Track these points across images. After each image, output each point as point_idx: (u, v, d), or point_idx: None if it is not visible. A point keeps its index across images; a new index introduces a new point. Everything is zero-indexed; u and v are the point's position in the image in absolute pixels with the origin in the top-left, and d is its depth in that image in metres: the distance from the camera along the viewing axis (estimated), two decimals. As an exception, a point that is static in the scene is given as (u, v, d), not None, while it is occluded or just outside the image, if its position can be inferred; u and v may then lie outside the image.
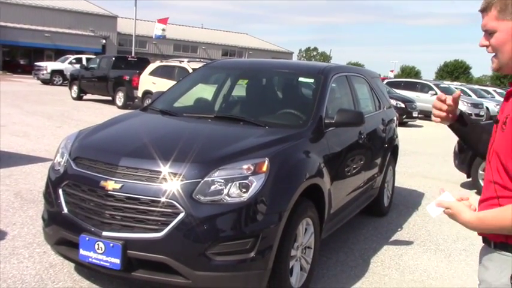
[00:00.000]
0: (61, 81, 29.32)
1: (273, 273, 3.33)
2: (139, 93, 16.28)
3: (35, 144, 9.26)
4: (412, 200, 7.17)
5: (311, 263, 3.86)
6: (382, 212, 6.12)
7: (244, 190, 3.17)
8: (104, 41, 51.09)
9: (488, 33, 1.82)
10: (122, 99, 18.24)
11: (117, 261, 3.10)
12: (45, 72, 29.69)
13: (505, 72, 1.86)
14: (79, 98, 20.25)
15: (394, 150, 6.26)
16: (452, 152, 8.32)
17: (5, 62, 45.11)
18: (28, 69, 37.86)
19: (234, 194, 3.16)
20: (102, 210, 3.19)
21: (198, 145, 3.46)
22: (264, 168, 3.28)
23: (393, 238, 5.43)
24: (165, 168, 3.19)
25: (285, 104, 4.65)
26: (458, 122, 2.17)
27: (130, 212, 3.14)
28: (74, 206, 3.35)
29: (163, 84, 12.60)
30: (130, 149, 3.40)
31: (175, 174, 3.16)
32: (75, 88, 20.47)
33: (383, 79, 27.61)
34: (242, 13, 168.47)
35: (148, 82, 15.75)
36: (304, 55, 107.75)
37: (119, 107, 18.00)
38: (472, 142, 2.21)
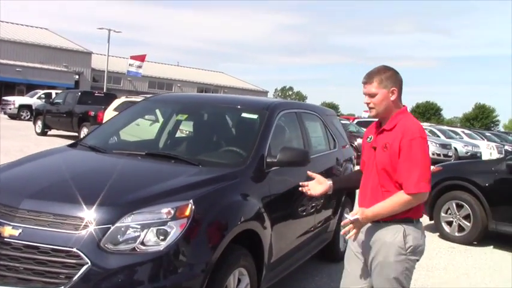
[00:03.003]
0: (29, 116, 28.63)
1: (196, 334, 2.93)
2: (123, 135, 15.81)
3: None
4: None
5: (246, 321, 3.46)
6: (337, 257, 5.73)
7: (162, 237, 2.80)
8: (77, 77, 50.68)
9: (370, 96, 2.89)
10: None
11: (9, 321, 2.66)
12: (12, 107, 29.01)
13: (379, 117, 2.94)
14: (43, 133, 19.66)
15: (350, 192, 5.94)
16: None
17: (-26, 96, 44.24)
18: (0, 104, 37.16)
19: (150, 242, 2.78)
20: None
21: (114, 185, 3.09)
22: (187, 212, 2.91)
23: None
24: (70, 212, 2.80)
25: (225, 142, 4.32)
26: (336, 185, 3.21)
27: (28, 262, 2.72)
28: None
29: (145, 126, 12.20)
30: (36, 189, 3.01)
31: (81, 218, 2.78)
32: (39, 123, 19.90)
33: (353, 119, 27.73)
34: (218, 52, 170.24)
35: (133, 126, 15.32)
36: (280, 94, 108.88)
37: (83, 143, 17.44)
38: (356, 186, 3.16)
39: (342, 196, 5.50)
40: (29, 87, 42.22)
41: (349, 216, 2.81)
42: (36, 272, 2.70)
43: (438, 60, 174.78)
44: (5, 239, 2.76)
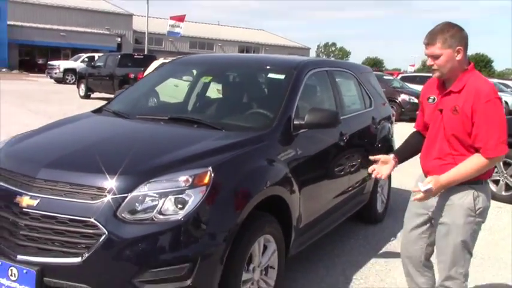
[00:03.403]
0: (74, 80, 29.17)
1: (219, 302, 2.87)
2: (161, 96, 15.90)
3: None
4: (412, 204, 6.58)
5: (274, 285, 3.37)
6: (375, 218, 5.59)
7: (180, 206, 2.70)
8: (120, 39, 51.13)
9: (434, 57, 2.72)
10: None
11: (31, 290, 2.65)
12: (57, 71, 29.61)
13: (444, 79, 2.80)
14: (86, 96, 20.01)
15: (388, 150, 5.69)
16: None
17: (22, 61, 45.36)
18: (44, 68, 37.99)
19: (168, 211, 2.68)
20: (17, 230, 2.75)
21: (132, 153, 3.00)
22: (206, 179, 2.79)
23: (384, 249, 4.90)
24: (86, 181, 2.73)
25: (251, 104, 4.15)
26: (400, 158, 3.11)
27: (46, 232, 2.69)
28: None
29: (183, 87, 12.19)
30: (53, 158, 2.95)
31: (98, 188, 2.70)
32: (82, 86, 20.25)
33: (398, 74, 26.85)
34: (259, 9, 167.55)
35: (170, 85, 15.35)
36: (322, 51, 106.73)
37: (125, 106, 17.66)
38: (418, 150, 3.06)
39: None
40: (73, 51, 42.95)
41: (421, 186, 2.73)
42: (56, 242, 2.67)
43: (489, 10, 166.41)
44: (24, 209, 2.73)
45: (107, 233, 2.59)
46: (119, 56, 19.68)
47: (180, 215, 2.67)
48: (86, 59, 30.03)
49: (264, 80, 4.36)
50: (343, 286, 3.99)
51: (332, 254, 4.63)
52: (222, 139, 3.31)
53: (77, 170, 2.82)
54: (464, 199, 2.77)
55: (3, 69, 38.65)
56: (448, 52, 2.68)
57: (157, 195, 2.70)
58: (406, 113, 17.87)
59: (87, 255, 2.59)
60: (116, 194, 2.67)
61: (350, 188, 4.65)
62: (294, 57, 4.71)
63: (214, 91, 4.45)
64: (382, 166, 3.09)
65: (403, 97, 18.22)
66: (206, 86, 4.53)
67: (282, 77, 4.05)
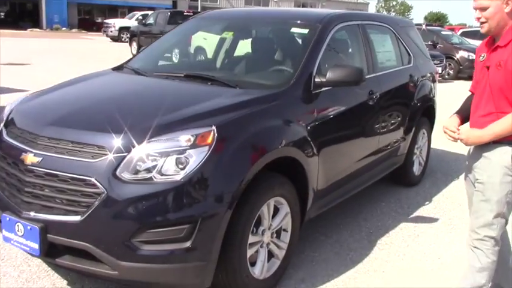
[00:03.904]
0: (129, 38, 29.55)
1: (223, 265, 2.81)
2: (191, 50, 15.87)
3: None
4: (455, 167, 6.27)
5: (287, 248, 3.28)
6: (411, 181, 5.35)
7: (181, 167, 2.62)
8: (175, -4, 51.05)
9: (482, 9, 2.61)
10: (178, 55, 17.95)
11: (36, 246, 2.68)
12: (113, 29, 30.08)
13: (492, 34, 2.69)
14: (139, 54, 20.23)
15: (428, 111, 5.39)
16: None
17: (82, 20, 46.33)
18: (102, 27, 38.71)
19: (168, 171, 2.61)
20: (22, 187, 2.77)
21: (137, 111, 2.94)
22: (209, 139, 2.69)
23: (415, 214, 4.69)
24: (87, 139, 2.69)
25: (271, 61, 3.97)
26: (462, 117, 2.89)
27: (49, 190, 2.69)
28: (1, 180, 2.96)
29: (213, 40, 12.09)
30: (58, 116, 2.92)
31: (98, 146, 2.66)
32: (134, 45, 20.49)
33: (458, 29, 25.46)
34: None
35: (200, 38, 15.27)
36: (383, 5, 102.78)
37: (175, 63, 17.76)
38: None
39: (415, 115, 5.00)
40: (130, 9, 43.35)
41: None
42: (58, 199, 2.67)
43: None
44: (28, 167, 2.74)
45: (105, 192, 2.56)
46: (169, 14, 19.70)
47: (180, 175, 2.59)
48: (140, 17, 30.26)
49: (287, 35, 4.15)
50: (365, 251, 3.85)
51: (359, 218, 4.48)
52: (233, 97, 3.18)
53: (79, 127, 2.78)
54: (502, 157, 2.65)
55: (63, 28, 39.68)
56: (497, 3, 2.57)
57: (157, 155, 2.62)
58: (464, 71, 17.01)
59: (86, 214, 2.58)
60: (115, 153, 2.62)
61: (380, 150, 4.43)
62: (321, 11, 4.46)
63: (237, 47, 4.29)
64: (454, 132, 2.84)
65: (461, 54, 17.31)
66: (228, 42, 4.38)
67: (306, 31, 3.84)
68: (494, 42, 2.70)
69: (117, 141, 2.64)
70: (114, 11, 46.87)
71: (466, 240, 2.91)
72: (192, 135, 2.68)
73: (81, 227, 2.60)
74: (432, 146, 6.15)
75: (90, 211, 2.57)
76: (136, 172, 2.60)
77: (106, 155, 2.62)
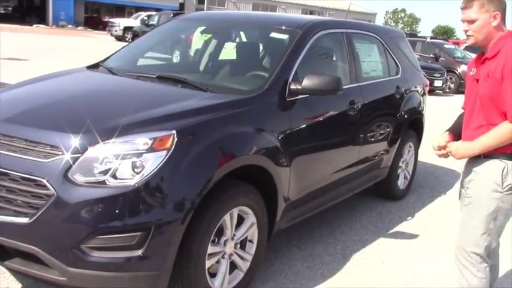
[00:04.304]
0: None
1: (178, 275, 2.70)
2: (191, 52, 15.80)
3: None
4: (444, 182, 6.15)
5: (252, 260, 3.16)
6: (395, 195, 5.23)
7: (137, 171, 2.51)
8: (182, -1, 51.10)
9: (469, 22, 2.60)
10: (179, 58, 17.89)
11: (-17, 247, 2.57)
12: (117, 28, 29.99)
13: (478, 45, 2.67)
14: (140, 54, 20.19)
15: (415, 123, 5.28)
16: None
17: (88, 18, 46.36)
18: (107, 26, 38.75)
19: (123, 175, 2.50)
20: None
21: (97, 111, 2.83)
22: (168, 144, 2.58)
23: (395, 229, 4.57)
24: (40, 138, 2.58)
25: (248, 65, 3.86)
26: (454, 135, 2.85)
27: (0, 190, 2.58)
28: None
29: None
30: (14, 113, 2.81)
31: (51, 146, 2.55)
32: (136, 45, 20.43)
33: (462, 43, 25.32)
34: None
35: (200, 41, 15.21)
36: (390, 17, 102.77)
37: (175, 65, 17.70)
38: None
39: (401, 128, 4.88)
40: (137, 9, 43.36)
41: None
42: (8, 200, 2.56)
43: None
44: (-20, 164, 2.63)
45: (56, 194, 2.45)
46: (172, 15, 19.63)
47: (135, 180, 2.48)
48: (145, 18, 30.25)
49: (267, 40, 4.04)
50: (338, 265, 3.73)
51: (336, 231, 4.36)
52: (201, 101, 3.07)
53: (34, 125, 2.67)
54: (491, 172, 2.60)
55: (69, 26, 39.71)
56: (485, 17, 2.57)
57: (113, 158, 2.51)
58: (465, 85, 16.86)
59: (35, 216, 2.47)
60: (68, 154, 2.51)
61: (360, 162, 4.32)
62: (304, 17, 4.35)
63: (215, 50, 4.19)
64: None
65: (463, 68, 17.14)
66: (206, 45, 4.28)
67: (285, 37, 3.74)
68: (483, 55, 2.68)
69: (71, 142, 2.53)
70: (122, 11, 46.89)
71: (453, 259, 2.83)
72: (150, 139, 2.57)
73: (29, 230, 2.49)
74: (422, 160, 6.04)
75: (39, 213, 2.46)
76: (90, 175, 2.49)
77: (59, 155, 2.51)
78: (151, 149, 2.54)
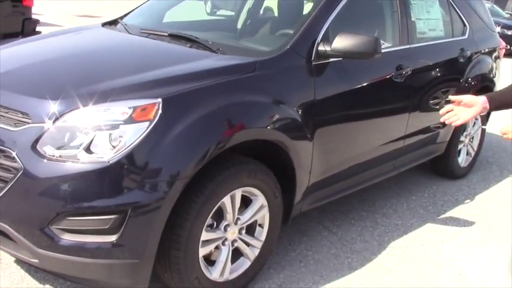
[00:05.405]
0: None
1: (166, 264, 2.37)
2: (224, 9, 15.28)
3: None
4: (517, 160, 5.40)
5: (262, 247, 2.78)
6: (454, 173, 4.60)
7: (113, 145, 2.17)
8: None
9: None
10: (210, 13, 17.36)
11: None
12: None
13: None
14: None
15: (484, 92, 4.53)
16: None
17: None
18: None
19: (96, 149, 2.17)
20: None
21: (83, 74, 2.50)
22: (151, 114, 2.21)
23: (448, 213, 3.98)
24: (13, 103, 2.30)
25: (272, 22, 3.37)
26: (494, 102, 2.32)
27: (-28, 160, 2.34)
28: None
29: None
30: None
31: (22, 113, 2.26)
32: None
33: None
34: None
35: None
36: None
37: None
38: None
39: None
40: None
41: None
42: (-21, 172, 2.31)
43: None
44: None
45: (23, 167, 2.16)
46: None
47: (109, 155, 2.14)
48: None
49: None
50: (370, 255, 3.26)
51: (379, 213, 3.85)
52: (204, 63, 2.65)
53: (9, 89, 2.38)
54: None
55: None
56: None
57: (86, 129, 2.18)
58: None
59: (3, 190, 2.21)
60: (37, 123, 2.20)
61: (408, 136, 3.74)
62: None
63: (246, 5, 3.71)
64: (463, 109, 2.36)
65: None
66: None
67: (319, -11, 3.19)
68: None
69: (40, 108, 2.22)
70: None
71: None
72: (130, 108, 2.21)
73: (-1, 205, 2.24)
74: (492, 132, 5.31)
75: (6, 188, 2.20)
76: (61, 147, 2.18)
77: (28, 123, 2.22)
78: (130, 120, 2.19)
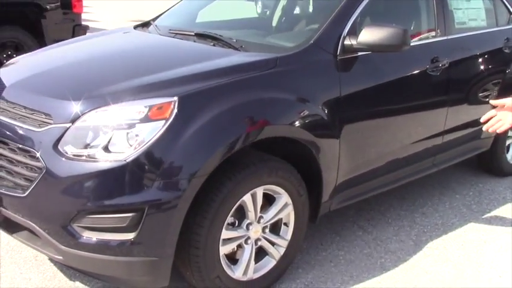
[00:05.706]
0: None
1: (186, 262, 2.38)
2: (258, 8, 15.16)
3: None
4: None
5: (288, 246, 2.74)
6: (501, 171, 4.36)
7: (130, 143, 2.20)
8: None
9: None
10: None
11: (-9, 217, 2.47)
12: None
13: None
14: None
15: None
16: None
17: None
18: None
19: (114, 148, 2.20)
20: None
21: (104, 75, 2.55)
22: (167, 113, 2.22)
23: (493, 213, 3.78)
24: (37, 105, 2.38)
25: (298, 18, 3.32)
26: None
27: (2, 160, 2.44)
28: None
29: None
30: (21, 78, 2.63)
31: (45, 114, 2.33)
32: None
33: None
34: None
35: None
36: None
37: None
38: None
39: (509, 91, 3.99)
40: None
41: None
42: (8, 170, 2.41)
43: None
44: (-14, 132, 2.50)
45: (45, 167, 2.23)
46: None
47: (126, 154, 2.17)
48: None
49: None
50: (405, 255, 3.15)
51: (418, 212, 3.72)
52: (225, 61, 2.63)
53: (34, 91, 2.47)
54: None
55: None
56: None
57: (104, 128, 2.22)
58: None
59: (29, 189, 2.29)
60: (58, 123, 2.27)
61: (448, 132, 3.59)
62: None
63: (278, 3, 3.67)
64: (506, 113, 2.28)
65: None
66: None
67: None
68: None
69: (62, 109, 2.29)
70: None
71: None
72: (146, 107, 2.23)
73: (25, 203, 2.33)
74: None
75: (32, 186, 2.28)
76: (81, 147, 2.23)
77: (50, 124, 2.29)
78: (146, 119, 2.21)
